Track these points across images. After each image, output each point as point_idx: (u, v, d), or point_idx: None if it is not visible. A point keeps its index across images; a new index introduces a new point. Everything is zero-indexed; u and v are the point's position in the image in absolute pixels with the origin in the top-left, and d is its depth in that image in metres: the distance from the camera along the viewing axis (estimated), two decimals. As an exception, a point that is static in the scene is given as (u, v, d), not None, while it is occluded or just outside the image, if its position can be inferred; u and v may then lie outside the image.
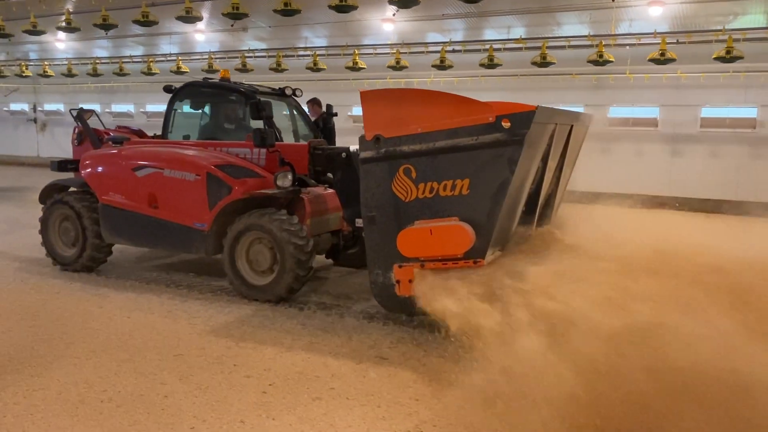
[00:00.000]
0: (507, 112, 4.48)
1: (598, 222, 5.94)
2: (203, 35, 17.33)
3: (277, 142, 6.49)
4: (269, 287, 6.05)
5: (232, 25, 14.52)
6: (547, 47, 13.78)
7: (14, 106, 25.78)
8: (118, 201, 6.76)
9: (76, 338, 5.14)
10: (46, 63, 20.95)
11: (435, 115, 4.71)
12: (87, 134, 7.79)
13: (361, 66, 15.85)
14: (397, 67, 15.47)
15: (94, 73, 20.13)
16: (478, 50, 14.90)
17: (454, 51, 15.21)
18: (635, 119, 15.87)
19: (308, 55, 16.67)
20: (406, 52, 15.67)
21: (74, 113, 8.10)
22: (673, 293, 4.00)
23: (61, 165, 7.71)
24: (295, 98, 7.89)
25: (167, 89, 7.69)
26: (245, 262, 6.20)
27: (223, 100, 7.58)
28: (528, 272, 4.36)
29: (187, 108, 7.75)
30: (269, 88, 7.88)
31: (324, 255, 7.27)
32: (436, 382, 4.36)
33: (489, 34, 15.12)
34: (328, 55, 16.57)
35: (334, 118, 8.89)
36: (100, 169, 6.96)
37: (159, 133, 7.73)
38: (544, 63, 13.83)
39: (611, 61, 13.29)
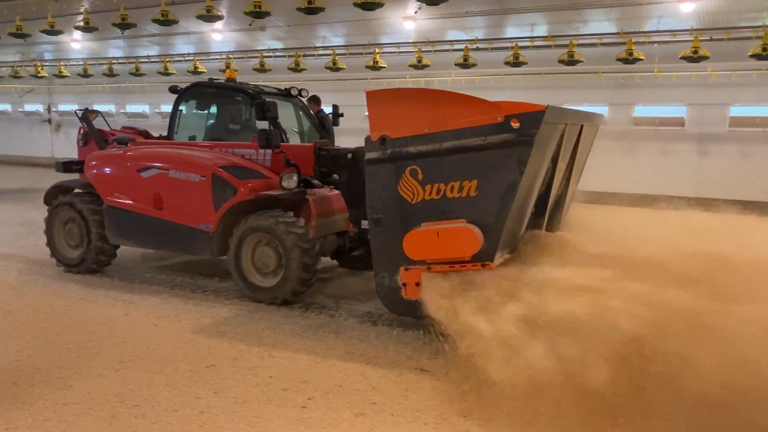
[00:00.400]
0: (516, 112, 4.38)
1: (625, 225, 5.78)
2: (220, 35, 17.10)
3: (282, 143, 6.42)
4: (274, 289, 5.98)
5: (250, 24, 14.33)
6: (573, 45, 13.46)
7: (29, 107, 25.70)
8: (122, 202, 6.71)
9: (103, 347, 4.94)
10: (62, 63, 20.88)
11: (442, 115, 4.62)
12: (92, 135, 7.75)
13: (381, 65, 15.61)
14: (419, 66, 15.18)
15: (110, 74, 19.97)
16: (504, 48, 14.63)
17: (478, 49, 14.96)
18: (661, 119, 15.56)
19: (327, 55, 16.42)
20: (429, 51, 15.39)
21: (79, 114, 8.06)
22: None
23: (66, 166, 7.66)
24: (301, 99, 7.82)
25: (173, 90, 7.64)
26: (250, 263, 6.13)
27: (229, 101, 7.52)
28: (545, 280, 4.26)
29: (193, 109, 7.70)
30: (275, 88, 7.82)
31: (330, 257, 7.19)
32: (483, 396, 4.01)
33: (512, 31, 14.81)
34: (349, 54, 16.35)
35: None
36: (104, 170, 6.90)
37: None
38: (571, 61, 13.52)
39: (641, 59, 12.95)
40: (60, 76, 20.93)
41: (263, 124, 6.69)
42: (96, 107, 22.64)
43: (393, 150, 4.79)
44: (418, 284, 4.82)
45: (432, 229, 4.69)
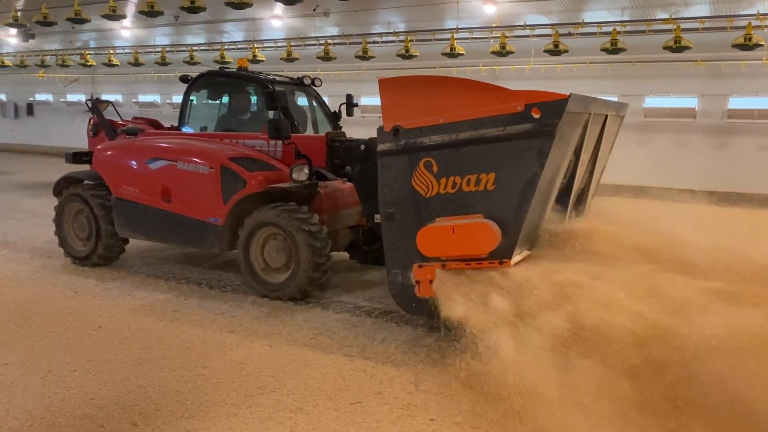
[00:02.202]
0: (537, 101, 4.13)
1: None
2: (279, 21, 16.29)
3: (293, 134, 6.21)
4: (283, 285, 5.79)
5: (314, 9, 13.79)
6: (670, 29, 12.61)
7: (71, 97, 24.93)
8: (131, 194, 6.56)
9: (223, 376, 4.25)
10: (111, 52, 20.37)
11: (458, 104, 4.38)
12: (102, 125, 7.64)
13: (459, 52, 14.82)
14: (503, 52, 14.30)
15: (163, 62, 19.27)
16: (594, 33, 13.70)
17: (570, 34, 14.02)
18: (761, 111, 14.27)
19: (393, 42, 15.70)
20: (510, 36, 14.53)
21: (89, 104, 7.94)
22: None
23: (76, 157, 7.55)
24: (314, 88, 7.61)
25: (183, 79, 7.48)
26: (260, 258, 5.95)
27: (240, 90, 7.35)
28: (569, 274, 4.02)
29: (204, 98, 7.54)
30: (288, 78, 7.63)
31: (343, 251, 6.98)
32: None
33: (601, 15, 13.89)
34: (418, 41, 15.57)
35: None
36: (113, 161, 6.76)
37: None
38: (678, 48, 12.64)
39: (761, 45, 11.98)
40: (110, 64, 20.29)
41: (273, 114, 6.50)
42: (141, 98, 22.51)
43: (407, 141, 4.57)
44: (432, 282, 4.60)
45: (447, 224, 4.46)
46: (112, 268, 6.97)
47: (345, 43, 16.55)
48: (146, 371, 4.31)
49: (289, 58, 16.92)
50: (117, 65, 20.50)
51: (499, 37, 14.50)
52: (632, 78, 14.79)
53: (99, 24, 15.30)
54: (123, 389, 4.03)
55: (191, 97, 7.42)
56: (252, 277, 5.98)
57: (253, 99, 7.37)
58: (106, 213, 6.73)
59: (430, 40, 15.44)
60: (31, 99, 26.39)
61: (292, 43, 17.25)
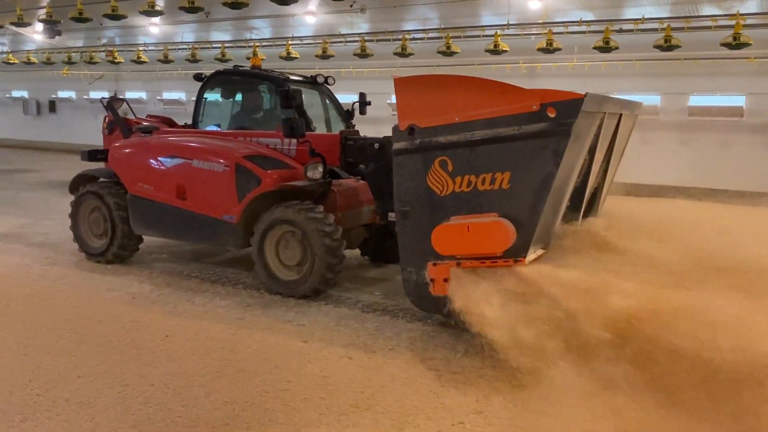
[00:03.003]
0: (552, 100, 4.14)
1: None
2: (314, 17, 15.91)
3: (307, 132, 6.24)
4: (297, 284, 5.83)
5: (351, 5, 13.55)
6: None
7: (94, 95, 24.23)
8: (146, 192, 6.61)
9: (308, 390, 4.01)
10: (140, 49, 20.12)
11: (474, 103, 4.40)
12: (117, 123, 7.68)
13: (503, 48, 14.41)
14: (550, 49, 13.86)
15: (193, 59, 18.85)
16: (654, 30, 13.14)
17: (621, 31, 13.61)
18: None
19: (428, 39, 15.32)
20: (561, 33, 14.08)
21: (104, 102, 8.00)
22: None
23: (92, 154, 7.62)
24: (328, 86, 7.63)
25: (198, 77, 7.52)
26: (274, 256, 5.99)
27: (254, 89, 7.38)
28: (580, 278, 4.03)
29: (218, 97, 7.58)
30: (301, 76, 7.66)
31: (356, 248, 7.01)
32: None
33: (646, 11, 13.32)
34: (464, 37, 15.17)
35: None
36: (128, 159, 6.82)
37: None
38: (737, 45, 12.09)
39: None
40: (138, 61, 20.03)
41: (288, 113, 6.53)
42: (166, 96, 22.35)
43: (422, 140, 4.60)
44: (446, 280, 4.63)
45: (462, 223, 4.48)
46: (165, 272, 6.76)
47: (382, 40, 16.13)
48: (227, 386, 4.05)
49: (324, 55, 16.51)
50: (146, 62, 20.12)
51: (544, 34, 14.09)
52: (678, 76, 14.39)
53: (126, 21, 15.04)
54: (208, 406, 3.76)
55: (205, 95, 7.46)
56: (266, 274, 6.01)
57: (267, 97, 7.41)
58: (122, 210, 6.79)
59: (469, 36, 15.06)
60: (53, 96, 26.22)
61: (333, 41, 16.84)
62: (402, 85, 4.65)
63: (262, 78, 7.21)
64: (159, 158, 6.52)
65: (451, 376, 4.27)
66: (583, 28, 13.88)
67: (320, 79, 7.37)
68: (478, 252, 4.46)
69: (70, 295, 5.97)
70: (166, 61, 19.75)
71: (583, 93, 4.07)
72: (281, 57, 17.13)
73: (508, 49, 14.51)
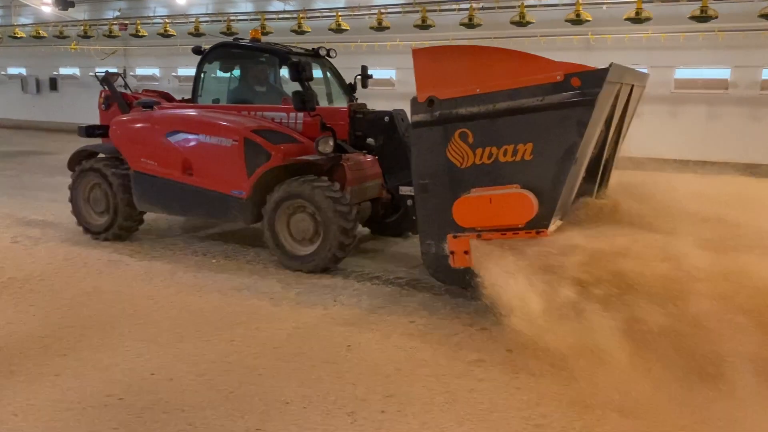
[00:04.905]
0: (577, 70, 4.14)
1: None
2: None
3: (317, 106, 6.17)
4: (312, 257, 5.80)
5: None
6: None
7: (100, 71, 22.75)
8: (150, 168, 6.50)
9: (422, 399, 3.60)
10: (166, 21, 19.10)
11: (495, 74, 4.37)
12: (115, 98, 7.52)
13: (529, 20, 13.93)
14: (577, 20, 13.48)
15: (195, 32, 17.80)
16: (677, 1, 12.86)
17: (651, 1, 13.12)
18: None
19: (452, 10, 14.79)
20: (590, 4, 13.65)
21: (99, 77, 7.82)
22: None
23: (89, 130, 7.45)
24: (329, 59, 7.53)
25: (196, 50, 7.37)
26: (286, 231, 5.95)
27: (256, 62, 7.26)
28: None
29: (217, 71, 7.44)
30: (302, 49, 7.54)
31: (363, 224, 6.99)
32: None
33: None
34: (482, 9, 14.71)
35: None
36: (131, 134, 6.68)
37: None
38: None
39: None
40: (165, 35, 18.84)
41: (293, 86, 6.44)
42: (181, 72, 21.29)
43: (441, 112, 4.56)
44: (466, 252, 4.64)
45: (484, 195, 4.48)
46: (294, 274, 5.91)
47: (401, 12, 15.58)
48: (460, 412, 3.45)
49: (338, 29, 16.01)
50: (173, 35, 19.02)
51: (573, 4, 13.69)
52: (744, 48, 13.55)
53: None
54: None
55: (204, 69, 7.32)
56: (277, 249, 5.98)
57: (268, 71, 7.30)
58: (124, 187, 6.68)
59: (493, 8, 14.61)
60: (55, 73, 24.62)
61: (342, 13, 16.18)
62: (421, 56, 4.60)
63: (265, 51, 7.09)
64: (164, 133, 6.40)
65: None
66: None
67: (322, 52, 7.27)
68: (501, 224, 4.47)
69: (201, 298, 5.30)
70: (197, 34, 18.28)
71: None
72: (330, 29, 16.46)
73: (534, 21, 14.08)
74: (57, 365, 3.96)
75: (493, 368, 3.98)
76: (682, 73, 14.08)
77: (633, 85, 5.38)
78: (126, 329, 4.55)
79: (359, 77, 7.69)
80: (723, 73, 13.65)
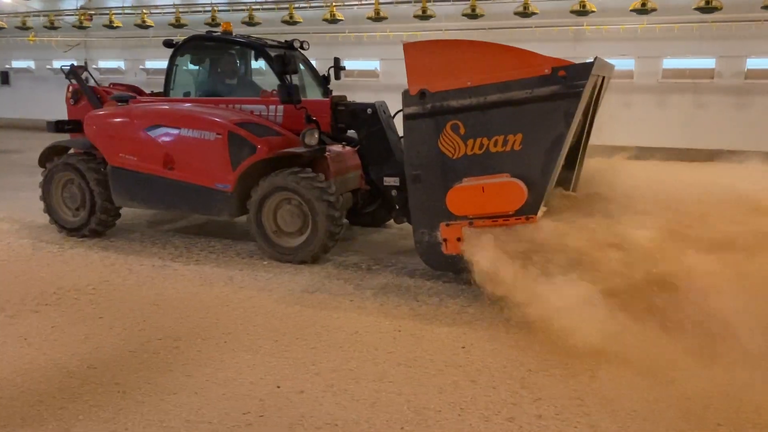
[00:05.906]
0: (563, 63, 4.37)
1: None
2: None
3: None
4: (302, 248, 5.89)
5: None
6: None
7: (58, 64, 19.87)
8: (129, 163, 6.42)
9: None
10: (144, 11, 18.05)
11: (486, 67, 4.57)
12: (84, 92, 7.35)
13: (533, 11, 13.68)
14: (582, 11, 13.38)
15: (213, 22, 16.57)
16: None
17: None
18: None
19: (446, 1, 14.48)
20: None
21: (65, 70, 7.63)
22: None
23: (59, 125, 7.27)
24: (302, 52, 7.58)
25: (168, 44, 7.29)
26: (273, 224, 6.02)
27: (230, 55, 7.23)
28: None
29: (190, 64, 7.38)
30: (275, 41, 7.55)
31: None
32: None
33: None
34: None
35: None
36: (108, 129, 6.57)
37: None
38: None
39: None
40: (143, 26, 17.87)
41: (267, 79, 6.46)
42: (148, 65, 20.19)
43: (433, 104, 4.74)
44: (459, 239, 4.84)
45: (476, 184, 4.68)
46: (359, 271, 5.81)
47: (396, 2, 15.16)
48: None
49: (333, 19, 15.61)
50: (152, 26, 17.96)
51: None
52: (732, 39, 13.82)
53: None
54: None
55: (176, 62, 7.25)
56: (263, 240, 6.04)
57: (244, 63, 7.29)
58: (101, 182, 6.59)
59: None
60: (7, 66, 23.11)
61: (335, 2, 15.74)
62: (412, 49, 4.75)
63: (239, 44, 7.08)
64: (143, 127, 6.33)
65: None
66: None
67: (296, 44, 7.31)
68: (492, 211, 4.69)
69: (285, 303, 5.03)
70: (178, 26, 17.41)
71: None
72: (243, 22, 16.15)
73: (538, 11, 13.91)
74: (168, 382, 3.68)
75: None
76: (669, 63, 14.49)
77: (604, 77, 5.69)
78: (220, 339, 4.27)
79: (332, 69, 7.77)
80: (708, 62, 14.13)
